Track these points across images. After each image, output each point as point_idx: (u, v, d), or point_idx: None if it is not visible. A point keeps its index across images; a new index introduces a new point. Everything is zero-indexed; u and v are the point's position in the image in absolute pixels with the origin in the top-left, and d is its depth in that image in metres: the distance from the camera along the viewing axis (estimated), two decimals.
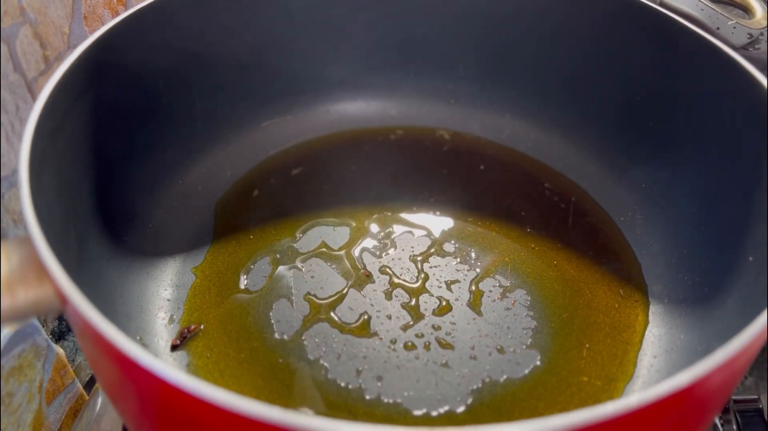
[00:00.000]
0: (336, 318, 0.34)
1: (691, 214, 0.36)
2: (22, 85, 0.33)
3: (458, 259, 0.38)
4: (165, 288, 0.36)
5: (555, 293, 0.36)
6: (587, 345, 0.34)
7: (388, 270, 0.37)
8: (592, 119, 0.42)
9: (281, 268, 0.37)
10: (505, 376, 0.32)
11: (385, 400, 0.31)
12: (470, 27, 0.43)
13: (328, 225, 0.39)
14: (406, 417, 0.30)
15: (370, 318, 0.34)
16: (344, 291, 0.36)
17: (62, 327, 0.39)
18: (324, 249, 0.38)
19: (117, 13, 0.40)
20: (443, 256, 0.38)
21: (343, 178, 0.43)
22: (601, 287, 0.36)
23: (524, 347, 0.33)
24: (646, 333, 0.34)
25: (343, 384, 0.32)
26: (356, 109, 0.46)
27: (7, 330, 0.32)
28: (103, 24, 0.36)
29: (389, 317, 0.35)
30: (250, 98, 0.43)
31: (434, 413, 0.31)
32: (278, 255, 0.38)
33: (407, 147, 0.45)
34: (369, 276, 0.36)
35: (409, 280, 0.36)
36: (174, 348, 0.33)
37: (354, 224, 0.40)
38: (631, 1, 0.37)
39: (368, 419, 0.30)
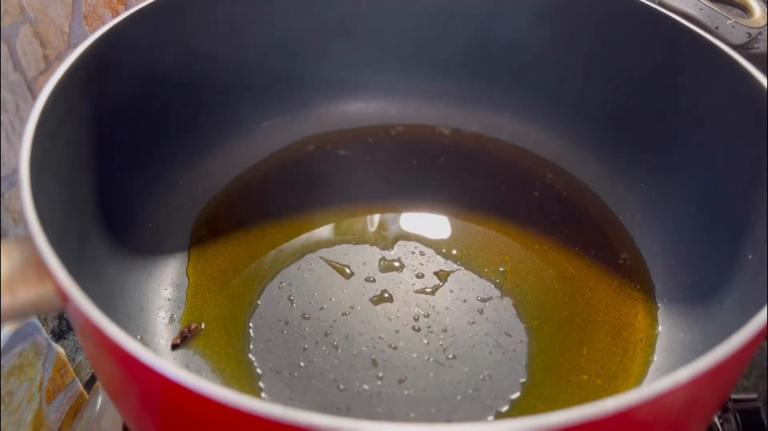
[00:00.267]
0: (336, 318, 0.34)
1: (691, 213, 0.36)
2: (22, 85, 0.33)
3: (457, 257, 0.38)
4: (165, 288, 0.36)
5: (555, 291, 0.36)
6: (587, 344, 0.34)
7: (388, 267, 0.37)
8: (591, 119, 0.42)
9: (282, 268, 0.37)
10: (504, 375, 0.32)
11: (385, 399, 0.31)
12: (470, 27, 0.43)
13: (329, 224, 0.39)
14: (406, 416, 0.30)
15: (370, 318, 0.34)
16: (345, 291, 0.36)
17: (62, 327, 0.39)
18: (325, 248, 0.38)
19: (117, 13, 0.40)
20: (443, 256, 0.38)
21: (344, 177, 0.43)
22: (601, 285, 0.37)
23: (524, 345, 0.33)
24: (646, 331, 0.34)
25: (342, 386, 0.32)
26: (356, 109, 0.46)
27: (8, 329, 0.32)
28: (103, 23, 0.36)
29: (389, 316, 0.35)
30: (250, 98, 0.43)
31: (433, 410, 0.31)
32: (278, 255, 0.38)
33: (407, 144, 0.45)
34: (370, 278, 0.36)
35: (408, 277, 0.36)
36: (174, 347, 0.33)
37: (355, 223, 0.40)
38: (630, 0, 0.37)
39: (368, 417, 0.30)
